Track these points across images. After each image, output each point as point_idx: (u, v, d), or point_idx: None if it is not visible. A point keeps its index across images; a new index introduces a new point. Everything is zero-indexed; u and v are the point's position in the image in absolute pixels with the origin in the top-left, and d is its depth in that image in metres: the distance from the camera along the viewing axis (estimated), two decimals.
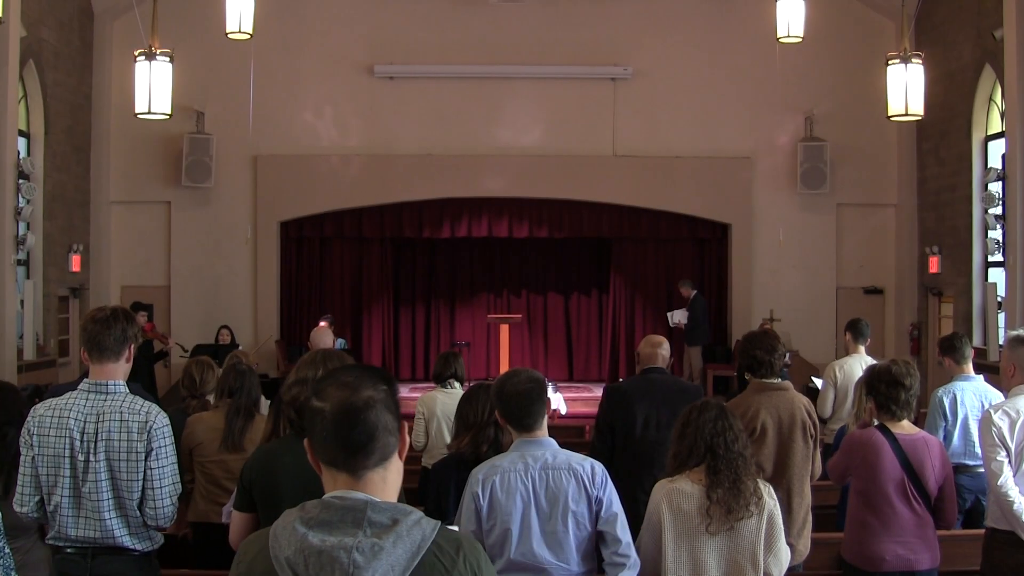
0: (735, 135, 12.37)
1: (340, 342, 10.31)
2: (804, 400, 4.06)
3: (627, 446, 4.24)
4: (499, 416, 3.06)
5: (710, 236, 12.87)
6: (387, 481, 1.53)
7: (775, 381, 4.01)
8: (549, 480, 2.85)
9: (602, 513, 2.85)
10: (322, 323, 9.86)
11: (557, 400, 9.88)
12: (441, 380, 5.42)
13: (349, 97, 12.31)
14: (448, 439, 5.20)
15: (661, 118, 12.34)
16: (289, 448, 2.74)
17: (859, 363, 5.89)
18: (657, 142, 12.32)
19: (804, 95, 12.21)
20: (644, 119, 12.34)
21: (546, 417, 3.00)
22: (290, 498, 1.90)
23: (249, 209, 12.26)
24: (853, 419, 4.16)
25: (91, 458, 2.95)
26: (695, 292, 12.08)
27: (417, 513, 1.49)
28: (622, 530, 2.86)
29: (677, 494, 2.97)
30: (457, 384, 5.39)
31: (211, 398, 4.73)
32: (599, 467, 2.91)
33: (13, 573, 2.61)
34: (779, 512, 3.01)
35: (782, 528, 3.01)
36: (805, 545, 3.90)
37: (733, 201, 12.37)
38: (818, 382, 6.61)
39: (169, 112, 8.17)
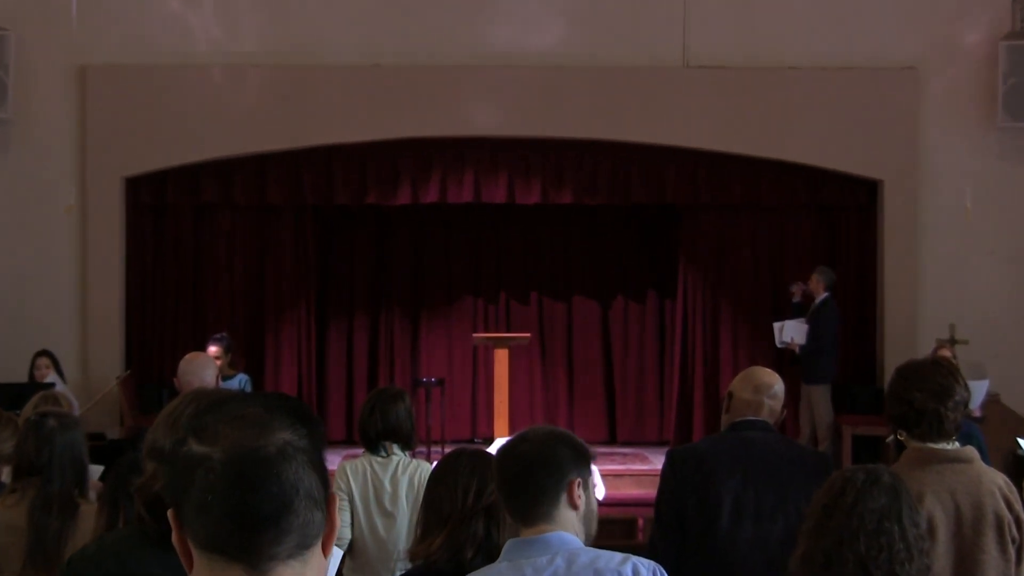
0: (888, 31, 12.38)
1: (242, 379, 10.35)
2: (1000, 479, 4.06)
3: (704, 545, 4.34)
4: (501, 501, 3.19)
5: (846, 202, 12.92)
6: None
7: (949, 447, 4.02)
8: None
9: None
10: (211, 348, 9.88)
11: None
12: (370, 441, 5.46)
13: None
14: (384, 534, 5.29)
15: (763, 6, 12.39)
16: (130, 550, 2.80)
17: None
18: (756, 46, 12.35)
19: None
20: (735, 9, 12.39)
21: (564, 502, 3.05)
22: None
23: (73, 156, 12.29)
24: None
25: None
26: (827, 295, 12.01)
27: None
28: None
29: None
30: (398, 449, 5.44)
31: (4, 474, 4.72)
32: (646, 566, 2.97)
33: None
34: None
35: None
36: None
37: (885, 142, 12.38)
38: None
39: None
